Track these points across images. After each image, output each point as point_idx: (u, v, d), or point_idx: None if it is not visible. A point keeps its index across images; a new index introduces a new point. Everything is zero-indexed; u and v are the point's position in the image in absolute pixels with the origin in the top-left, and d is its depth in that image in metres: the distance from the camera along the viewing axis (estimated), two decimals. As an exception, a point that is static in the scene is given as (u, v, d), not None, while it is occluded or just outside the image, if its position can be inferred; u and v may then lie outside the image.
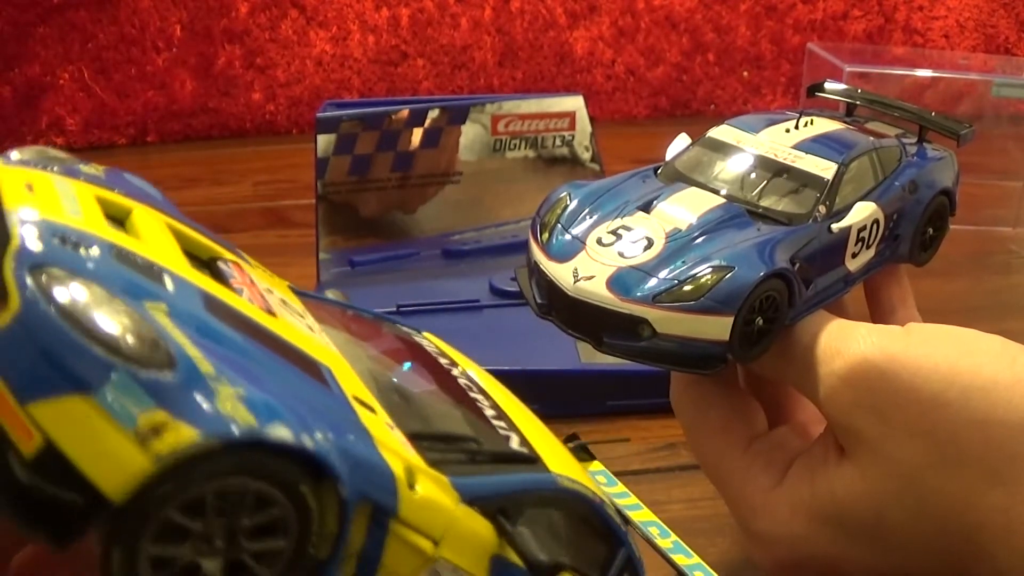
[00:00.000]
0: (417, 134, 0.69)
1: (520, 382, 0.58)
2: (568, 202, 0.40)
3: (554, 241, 0.39)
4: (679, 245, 0.37)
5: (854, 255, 0.41)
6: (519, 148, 0.71)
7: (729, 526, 0.48)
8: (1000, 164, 0.88)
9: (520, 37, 1.14)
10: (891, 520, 0.37)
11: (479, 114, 0.70)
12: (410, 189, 0.70)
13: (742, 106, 1.17)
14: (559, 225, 0.39)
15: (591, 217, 0.39)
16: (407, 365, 0.34)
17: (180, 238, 0.30)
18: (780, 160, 0.40)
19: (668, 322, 0.36)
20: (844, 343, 0.37)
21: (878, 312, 0.45)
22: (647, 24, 1.16)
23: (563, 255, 0.38)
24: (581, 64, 1.15)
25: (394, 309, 0.63)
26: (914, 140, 0.45)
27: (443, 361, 0.36)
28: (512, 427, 0.33)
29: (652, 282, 0.36)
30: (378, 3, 1.11)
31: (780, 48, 1.18)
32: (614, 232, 0.38)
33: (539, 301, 0.39)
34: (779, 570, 0.41)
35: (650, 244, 0.37)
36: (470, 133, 0.70)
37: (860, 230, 0.40)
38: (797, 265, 0.37)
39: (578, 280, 0.37)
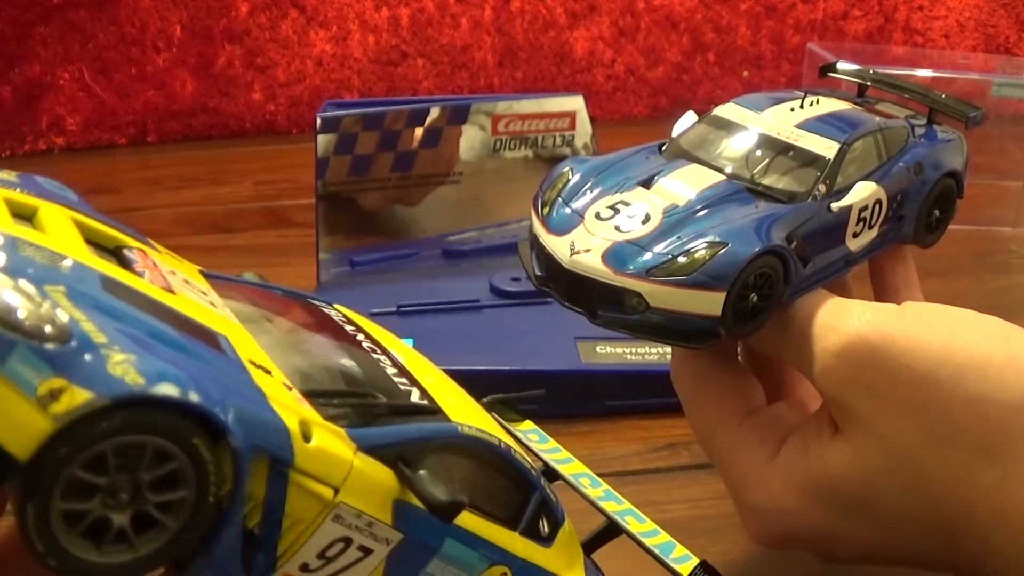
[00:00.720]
0: (417, 134, 0.69)
1: (520, 382, 0.58)
2: (570, 177, 0.40)
3: (554, 215, 0.39)
4: (675, 220, 0.37)
5: (855, 235, 0.41)
6: (519, 148, 0.71)
7: (730, 526, 0.48)
8: (1000, 164, 0.88)
9: (520, 37, 1.14)
10: (884, 496, 0.37)
11: (479, 114, 0.70)
12: (410, 189, 0.70)
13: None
14: (559, 199, 0.40)
15: (591, 192, 0.39)
16: (314, 335, 0.35)
17: (85, 230, 0.32)
18: (782, 139, 0.40)
19: (661, 296, 0.36)
20: (839, 320, 0.37)
21: (882, 293, 0.45)
22: (647, 24, 1.16)
23: (561, 228, 0.38)
24: (581, 64, 1.15)
25: (394, 309, 0.63)
26: (924, 122, 0.45)
27: (348, 328, 0.38)
28: (414, 383, 0.34)
29: (646, 256, 0.36)
30: (378, 3, 1.11)
31: (780, 48, 1.18)
32: (612, 207, 0.38)
33: (538, 273, 0.40)
34: (772, 544, 0.41)
35: (647, 219, 0.37)
36: (470, 133, 0.70)
37: (862, 210, 0.40)
38: (794, 243, 0.37)
39: (574, 253, 0.37)
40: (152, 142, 1.09)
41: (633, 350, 0.59)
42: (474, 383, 0.59)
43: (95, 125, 1.07)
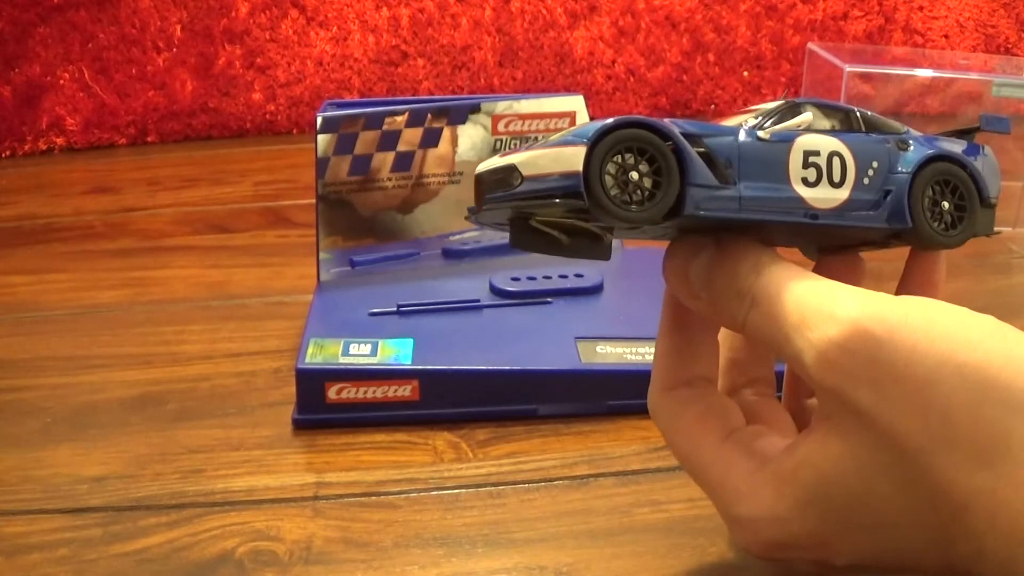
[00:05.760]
0: (417, 134, 0.69)
1: (520, 382, 0.58)
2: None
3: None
4: (582, 129, 0.38)
5: (807, 182, 0.39)
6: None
7: (729, 526, 0.48)
8: (1000, 164, 0.88)
9: (520, 37, 1.14)
10: (878, 494, 0.37)
11: (479, 114, 0.70)
12: (410, 189, 0.70)
13: (742, 106, 1.17)
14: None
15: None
16: None
17: None
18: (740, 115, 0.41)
19: (530, 162, 0.37)
20: (839, 306, 0.36)
21: (902, 287, 0.45)
22: (647, 24, 1.16)
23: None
24: (581, 64, 1.15)
25: (394, 309, 0.63)
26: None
27: None
28: None
29: (534, 145, 0.38)
30: (378, 3, 1.11)
31: (780, 48, 1.18)
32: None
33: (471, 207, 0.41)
34: (767, 553, 0.41)
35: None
36: (470, 133, 0.70)
37: (810, 153, 0.39)
38: (699, 148, 0.37)
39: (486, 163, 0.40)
40: (152, 142, 1.09)
41: (633, 350, 0.59)
42: (474, 383, 0.59)
43: (95, 125, 1.07)
